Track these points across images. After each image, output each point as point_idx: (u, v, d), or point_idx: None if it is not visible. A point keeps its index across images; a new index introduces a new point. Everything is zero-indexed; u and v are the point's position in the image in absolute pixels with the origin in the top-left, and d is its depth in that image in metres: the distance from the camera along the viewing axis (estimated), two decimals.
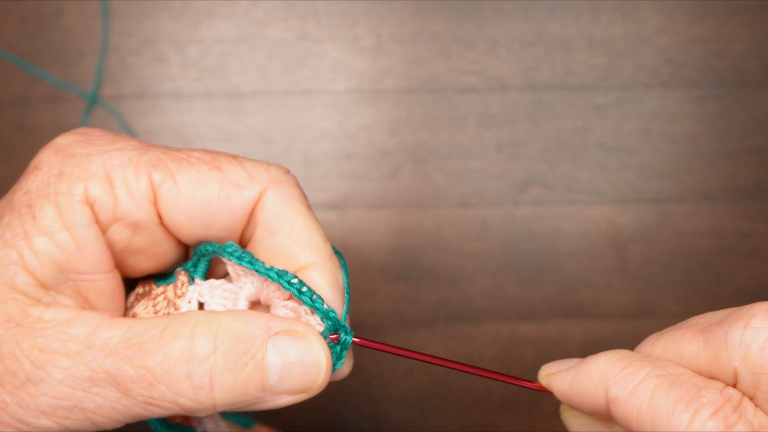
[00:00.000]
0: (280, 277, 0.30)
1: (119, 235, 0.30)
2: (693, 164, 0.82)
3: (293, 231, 0.31)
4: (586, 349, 0.81)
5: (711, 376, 0.29)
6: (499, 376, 0.34)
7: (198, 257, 0.33)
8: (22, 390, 0.29)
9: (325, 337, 0.31)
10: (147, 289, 0.34)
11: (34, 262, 0.29)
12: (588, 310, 0.81)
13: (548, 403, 0.79)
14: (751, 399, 0.28)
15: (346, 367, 0.33)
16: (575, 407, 0.32)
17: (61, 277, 0.30)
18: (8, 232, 0.30)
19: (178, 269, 0.33)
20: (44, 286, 0.30)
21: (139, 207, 0.30)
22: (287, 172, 0.32)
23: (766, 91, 0.83)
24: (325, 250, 0.31)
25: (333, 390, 0.79)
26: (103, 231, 0.30)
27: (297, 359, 0.30)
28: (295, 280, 0.30)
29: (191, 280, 0.33)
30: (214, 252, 0.32)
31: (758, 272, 0.82)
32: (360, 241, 0.80)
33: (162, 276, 0.34)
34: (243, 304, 0.32)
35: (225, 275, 0.34)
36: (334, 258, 0.32)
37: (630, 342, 0.80)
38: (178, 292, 0.32)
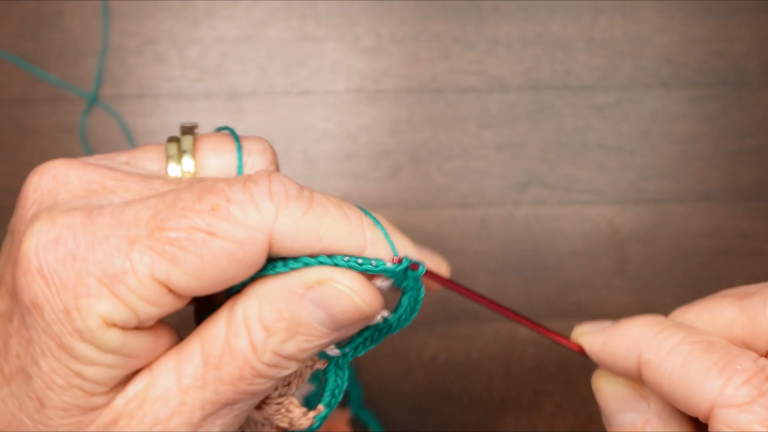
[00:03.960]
0: (332, 258, 0.30)
1: (150, 323, 0.30)
2: (693, 164, 0.82)
3: (325, 242, 0.30)
4: None
5: (745, 343, 0.29)
6: (538, 328, 0.35)
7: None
8: None
9: (403, 278, 0.32)
10: None
11: (99, 388, 0.29)
12: (588, 310, 0.81)
13: (548, 403, 0.79)
14: None
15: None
16: (606, 367, 0.33)
17: (127, 377, 0.30)
18: (58, 378, 0.28)
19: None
20: (115, 389, 0.30)
21: (158, 304, 0.29)
22: (269, 187, 0.29)
23: (766, 91, 0.83)
24: (360, 231, 0.30)
25: None
26: (137, 329, 0.29)
27: (335, 305, 0.30)
28: (346, 258, 0.30)
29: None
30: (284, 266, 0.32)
31: (758, 272, 0.82)
32: None
33: None
34: None
35: None
36: (370, 224, 0.31)
37: None
38: None
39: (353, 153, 0.81)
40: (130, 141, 0.80)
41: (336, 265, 0.30)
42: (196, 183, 0.29)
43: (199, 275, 0.28)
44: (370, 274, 0.31)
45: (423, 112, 0.81)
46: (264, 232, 0.28)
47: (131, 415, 0.29)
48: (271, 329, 0.29)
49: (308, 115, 0.81)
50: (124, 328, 0.28)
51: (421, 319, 0.80)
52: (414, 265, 0.32)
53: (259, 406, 0.34)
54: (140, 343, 0.29)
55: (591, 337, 0.34)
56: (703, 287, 0.81)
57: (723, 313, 0.30)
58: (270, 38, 0.82)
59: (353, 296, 0.30)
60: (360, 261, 0.30)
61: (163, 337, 0.31)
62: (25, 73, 0.81)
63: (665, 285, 0.81)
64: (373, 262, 0.30)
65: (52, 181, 0.31)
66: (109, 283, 0.28)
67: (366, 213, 0.31)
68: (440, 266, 0.35)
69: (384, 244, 0.31)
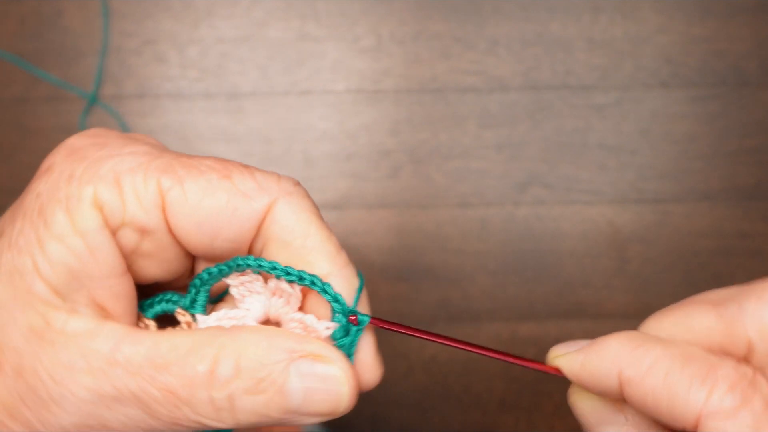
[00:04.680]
0: (303, 279, 0.30)
1: (127, 238, 0.30)
2: (693, 164, 0.82)
3: (307, 242, 0.31)
4: None
5: (724, 350, 0.29)
6: (513, 359, 0.34)
7: (196, 290, 0.32)
8: (45, 409, 0.28)
9: (339, 339, 0.31)
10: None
11: (48, 269, 0.29)
12: (588, 310, 0.81)
13: (548, 403, 0.79)
14: (764, 371, 0.28)
15: (375, 374, 0.32)
16: (587, 388, 0.32)
17: (75, 285, 0.30)
18: (21, 239, 0.29)
19: (176, 308, 0.33)
20: (60, 295, 0.29)
21: (147, 211, 0.30)
22: (297, 183, 0.32)
23: (766, 91, 0.83)
24: (340, 259, 0.31)
25: None
26: (113, 234, 0.30)
27: (319, 385, 0.29)
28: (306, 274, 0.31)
29: (193, 318, 0.33)
30: (219, 273, 0.31)
31: (758, 272, 0.82)
32: (360, 241, 0.80)
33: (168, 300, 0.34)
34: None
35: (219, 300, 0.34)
36: (351, 266, 0.32)
37: None
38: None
39: (353, 153, 0.81)
40: None
41: (288, 276, 0.30)
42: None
43: (196, 203, 0.30)
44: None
45: (423, 112, 0.81)
46: (271, 196, 0.30)
47: (54, 342, 0.29)
48: (243, 374, 0.29)
49: (308, 115, 0.81)
50: (106, 220, 0.29)
51: (421, 319, 0.80)
52: (354, 319, 0.32)
53: None
54: (107, 248, 0.30)
55: (568, 358, 0.33)
56: (703, 287, 0.81)
57: (700, 321, 0.30)
58: (270, 38, 0.82)
59: (343, 385, 0.30)
60: (319, 283, 0.31)
61: (127, 280, 0.31)
62: (25, 73, 0.80)
63: (665, 285, 0.81)
64: (326, 287, 0.31)
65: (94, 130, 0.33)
66: (119, 172, 0.29)
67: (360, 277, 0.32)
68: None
69: (350, 284, 0.32)
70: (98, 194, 0.29)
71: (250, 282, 0.32)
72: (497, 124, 0.82)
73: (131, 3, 0.81)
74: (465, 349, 0.34)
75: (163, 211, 0.30)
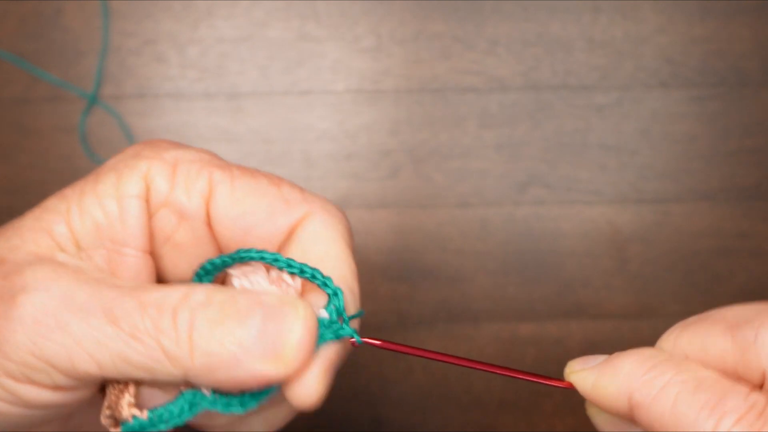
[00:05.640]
0: (277, 260, 0.31)
1: (165, 221, 0.31)
2: (693, 164, 0.82)
3: (325, 259, 0.31)
4: (586, 349, 0.81)
5: (737, 374, 0.29)
6: (527, 376, 0.34)
7: (200, 280, 0.32)
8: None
9: (324, 328, 0.31)
10: None
11: (77, 218, 0.30)
12: (588, 310, 0.81)
13: (548, 403, 0.79)
14: None
15: (312, 392, 0.31)
16: (599, 407, 0.32)
17: (96, 242, 0.31)
18: (69, 190, 0.31)
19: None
20: (78, 245, 0.31)
21: (190, 198, 0.31)
22: (340, 209, 0.33)
23: (766, 91, 0.83)
24: (352, 284, 0.32)
25: (333, 390, 0.78)
26: (152, 214, 0.31)
27: (278, 325, 0.29)
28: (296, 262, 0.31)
29: None
30: (222, 264, 0.32)
31: (758, 272, 0.82)
32: (360, 241, 0.80)
33: None
34: None
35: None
36: (357, 295, 0.32)
37: (630, 342, 0.80)
38: None
39: (353, 153, 0.81)
40: (130, 141, 0.80)
41: (279, 263, 0.31)
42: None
43: (240, 199, 0.31)
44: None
45: (423, 112, 0.81)
46: (302, 211, 0.32)
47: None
48: (212, 303, 0.28)
49: (308, 115, 0.81)
50: (149, 195, 0.32)
51: (421, 319, 0.80)
52: (352, 340, 0.32)
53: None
54: (136, 218, 0.31)
55: (582, 376, 0.33)
56: (704, 287, 0.81)
57: (715, 342, 0.30)
58: (270, 38, 0.82)
59: (304, 330, 0.29)
60: (307, 271, 0.31)
61: (146, 261, 0.33)
62: (25, 73, 0.81)
63: (665, 285, 0.81)
64: (327, 282, 0.31)
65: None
66: (178, 159, 0.32)
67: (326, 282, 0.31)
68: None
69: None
70: (151, 170, 0.31)
71: (252, 272, 0.33)
72: (497, 124, 0.82)
73: (131, 3, 0.81)
74: (469, 367, 0.35)
75: (207, 202, 0.31)
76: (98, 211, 0.30)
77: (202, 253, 0.32)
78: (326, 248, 0.31)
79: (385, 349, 0.33)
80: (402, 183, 0.81)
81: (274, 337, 0.28)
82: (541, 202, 0.81)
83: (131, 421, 0.30)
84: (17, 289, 0.28)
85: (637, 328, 0.81)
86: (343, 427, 0.78)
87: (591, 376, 0.32)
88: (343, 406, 0.79)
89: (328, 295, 0.31)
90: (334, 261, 0.31)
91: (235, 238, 0.32)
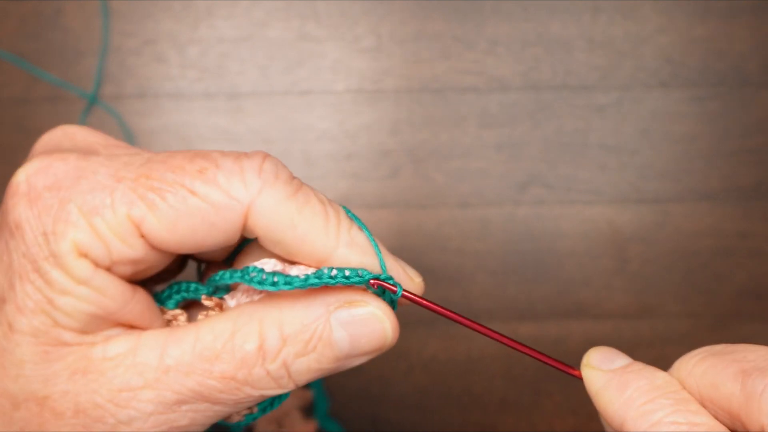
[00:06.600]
0: (320, 278, 0.30)
1: (123, 270, 0.30)
2: (693, 164, 0.82)
3: (297, 231, 0.30)
4: (586, 349, 0.81)
5: (741, 420, 0.29)
6: (544, 358, 0.35)
7: (215, 283, 0.33)
8: (116, 430, 0.29)
9: (381, 295, 0.32)
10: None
11: (68, 321, 0.29)
12: (588, 310, 0.80)
13: (548, 403, 0.79)
14: None
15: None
16: (598, 411, 0.33)
17: (98, 322, 0.30)
18: (30, 302, 0.29)
19: (202, 296, 0.33)
20: (88, 334, 0.30)
21: (130, 245, 0.29)
22: (266, 159, 0.30)
23: (766, 91, 0.83)
24: (335, 230, 0.31)
25: (333, 390, 0.79)
26: (109, 271, 0.30)
27: (362, 328, 0.31)
28: (334, 272, 0.30)
29: (221, 300, 0.33)
30: (231, 279, 0.31)
31: (758, 272, 0.82)
32: None
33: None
34: None
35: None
36: (346, 227, 0.31)
37: (630, 342, 0.80)
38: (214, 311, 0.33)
39: (353, 153, 0.81)
40: (130, 141, 0.80)
41: (324, 282, 0.30)
42: (193, 150, 0.31)
43: (171, 227, 0.29)
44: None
45: (423, 112, 0.81)
46: (242, 203, 0.29)
47: (102, 372, 0.29)
48: (290, 340, 0.30)
49: (308, 115, 0.81)
50: (96, 262, 0.29)
51: (421, 319, 0.80)
52: (392, 287, 0.32)
53: None
54: (112, 284, 0.30)
55: (593, 375, 0.33)
56: (703, 287, 0.81)
57: (725, 384, 0.30)
58: (270, 38, 0.82)
59: (384, 321, 0.31)
60: (348, 274, 0.30)
61: (141, 294, 0.31)
62: (25, 73, 0.81)
63: (665, 285, 0.81)
64: (360, 272, 0.30)
65: (61, 134, 0.34)
66: (87, 214, 0.29)
67: (360, 223, 0.31)
68: (415, 279, 0.35)
69: (359, 248, 0.31)
70: (78, 244, 0.29)
71: (238, 291, 0.33)
72: (497, 124, 0.82)
73: (131, 3, 0.81)
74: (499, 340, 0.35)
75: (144, 238, 0.30)
76: (81, 304, 0.29)
77: (170, 258, 0.32)
78: (290, 224, 0.30)
79: (422, 305, 0.34)
80: (402, 183, 0.81)
81: (369, 344, 0.32)
82: (541, 202, 0.81)
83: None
84: (115, 420, 0.29)
85: (637, 328, 0.81)
86: (344, 426, 0.78)
87: (600, 382, 0.32)
88: (343, 406, 0.79)
89: (381, 280, 0.32)
90: (304, 228, 0.30)
91: (191, 251, 0.30)
